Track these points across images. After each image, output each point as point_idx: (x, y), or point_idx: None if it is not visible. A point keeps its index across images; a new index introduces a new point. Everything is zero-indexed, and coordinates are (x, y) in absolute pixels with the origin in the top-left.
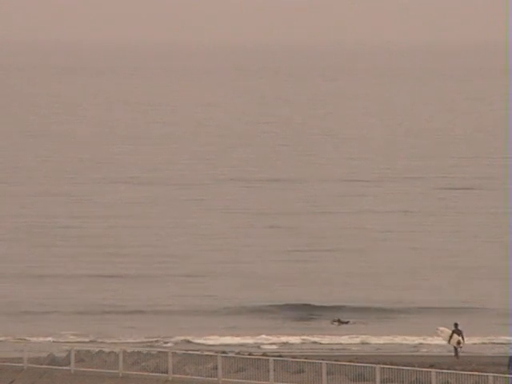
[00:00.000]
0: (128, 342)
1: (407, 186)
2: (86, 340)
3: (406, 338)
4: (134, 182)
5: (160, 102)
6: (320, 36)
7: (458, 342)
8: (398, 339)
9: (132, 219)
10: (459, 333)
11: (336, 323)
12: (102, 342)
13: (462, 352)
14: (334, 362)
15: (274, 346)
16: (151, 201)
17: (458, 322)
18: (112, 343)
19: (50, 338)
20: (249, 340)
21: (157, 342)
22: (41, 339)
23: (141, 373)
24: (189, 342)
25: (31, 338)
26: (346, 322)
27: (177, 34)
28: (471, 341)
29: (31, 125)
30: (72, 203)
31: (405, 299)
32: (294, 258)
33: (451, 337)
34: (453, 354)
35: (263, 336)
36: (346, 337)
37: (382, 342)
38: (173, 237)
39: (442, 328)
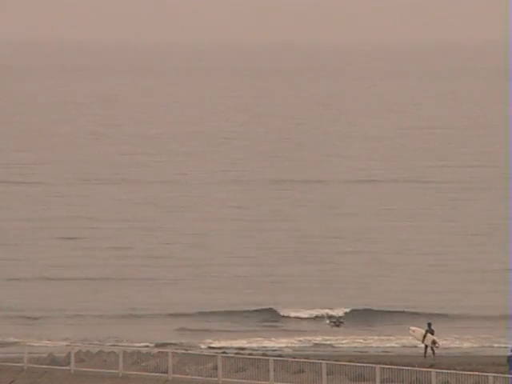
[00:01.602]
0: (128, 346)
1: (407, 186)
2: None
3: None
4: (133, 182)
5: (160, 102)
6: (320, 36)
7: (434, 342)
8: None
9: (129, 221)
10: (432, 332)
11: (335, 324)
12: (102, 345)
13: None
14: (334, 362)
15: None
16: (149, 202)
17: (431, 322)
18: (112, 345)
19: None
20: (251, 344)
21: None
22: (42, 342)
23: (141, 373)
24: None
25: (31, 340)
26: (342, 322)
27: (177, 34)
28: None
29: (32, 125)
30: (72, 204)
31: (407, 302)
32: (293, 260)
33: (425, 336)
34: (426, 353)
35: (262, 338)
36: (347, 337)
37: (382, 342)
38: (166, 238)
39: (413, 328)
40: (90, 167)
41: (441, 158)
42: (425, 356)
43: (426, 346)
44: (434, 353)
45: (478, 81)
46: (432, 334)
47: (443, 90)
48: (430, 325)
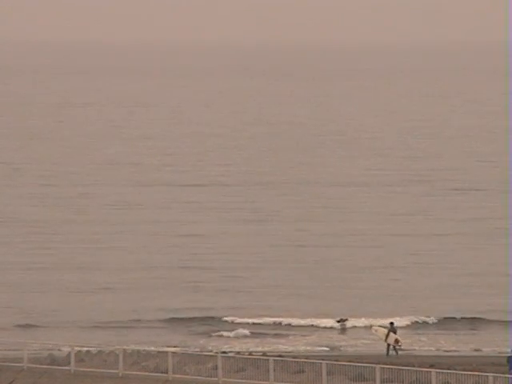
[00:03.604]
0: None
1: (407, 188)
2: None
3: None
4: (130, 183)
5: (159, 102)
6: (321, 36)
7: (397, 341)
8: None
9: (127, 223)
10: (395, 331)
11: (341, 323)
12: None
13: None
14: (334, 362)
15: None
16: (147, 203)
17: (394, 322)
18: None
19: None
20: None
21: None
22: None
23: (141, 373)
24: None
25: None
26: (346, 320)
27: (177, 34)
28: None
29: (32, 125)
30: (70, 206)
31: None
32: (293, 264)
33: (387, 335)
34: (386, 352)
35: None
36: (347, 337)
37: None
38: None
39: (376, 327)
40: (90, 168)
41: (440, 159)
42: (396, 353)
43: (389, 345)
44: (396, 352)
45: (478, 81)
46: (395, 333)
47: (443, 90)
48: (392, 324)
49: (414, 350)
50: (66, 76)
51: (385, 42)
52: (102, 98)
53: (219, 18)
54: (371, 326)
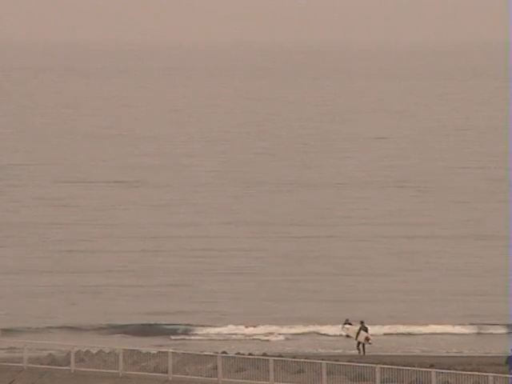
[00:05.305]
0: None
1: (407, 188)
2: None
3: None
4: (131, 184)
5: (159, 103)
6: (321, 36)
7: (367, 339)
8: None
9: (125, 225)
10: (366, 329)
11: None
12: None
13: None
14: (334, 362)
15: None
16: (146, 205)
17: (364, 320)
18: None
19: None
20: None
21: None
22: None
23: (141, 373)
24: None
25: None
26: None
27: (177, 34)
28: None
29: (31, 125)
30: (68, 206)
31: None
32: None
33: (358, 333)
34: (359, 351)
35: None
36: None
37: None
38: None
39: (347, 326)
40: (90, 168)
41: (441, 160)
42: (359, 352)
43: (359, 343)
44: (364, 350)
45: (478, 81)
46: (365, 331)
47: (443, 91)
48: (362, 322)
49: (415, 351)
50: (65, 76)
51: (385, 42)
52: (102, 98)
53: (219, 19)
54: (343, 325)
